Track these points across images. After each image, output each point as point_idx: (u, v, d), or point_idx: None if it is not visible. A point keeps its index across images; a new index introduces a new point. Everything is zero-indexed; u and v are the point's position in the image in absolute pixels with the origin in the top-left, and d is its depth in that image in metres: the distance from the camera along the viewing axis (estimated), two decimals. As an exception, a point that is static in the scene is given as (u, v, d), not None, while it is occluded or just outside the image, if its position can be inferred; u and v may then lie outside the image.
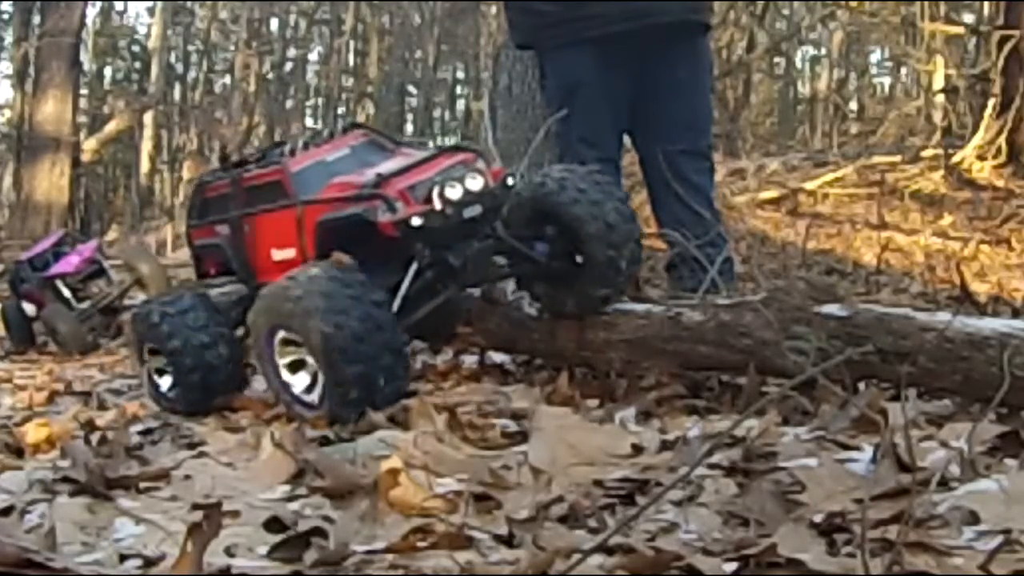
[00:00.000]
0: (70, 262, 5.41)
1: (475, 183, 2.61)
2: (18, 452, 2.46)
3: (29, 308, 5.47)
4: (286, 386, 2.53)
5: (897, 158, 9.58)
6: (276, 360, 2.53)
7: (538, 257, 2.74)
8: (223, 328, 2.85)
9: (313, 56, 23.30)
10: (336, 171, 2.79)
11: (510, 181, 2.69)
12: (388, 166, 2.72)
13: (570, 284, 2.73)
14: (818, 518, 1.55)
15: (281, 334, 2.50)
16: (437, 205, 2.57)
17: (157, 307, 2.86)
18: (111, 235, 17.40)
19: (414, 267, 2.59)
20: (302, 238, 2.71)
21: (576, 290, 2.73)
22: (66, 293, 5.27)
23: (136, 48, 23.67)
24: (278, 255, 2.82)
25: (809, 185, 8.76)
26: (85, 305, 5.39)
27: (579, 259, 2.70)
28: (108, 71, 24.38)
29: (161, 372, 2.88)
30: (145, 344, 2.89)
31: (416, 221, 2.54)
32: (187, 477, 2.01)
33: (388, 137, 3.01)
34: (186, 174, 19.57)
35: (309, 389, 2.50)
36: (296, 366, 2.53)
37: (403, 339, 2.50)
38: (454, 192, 2.58)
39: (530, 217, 2.73)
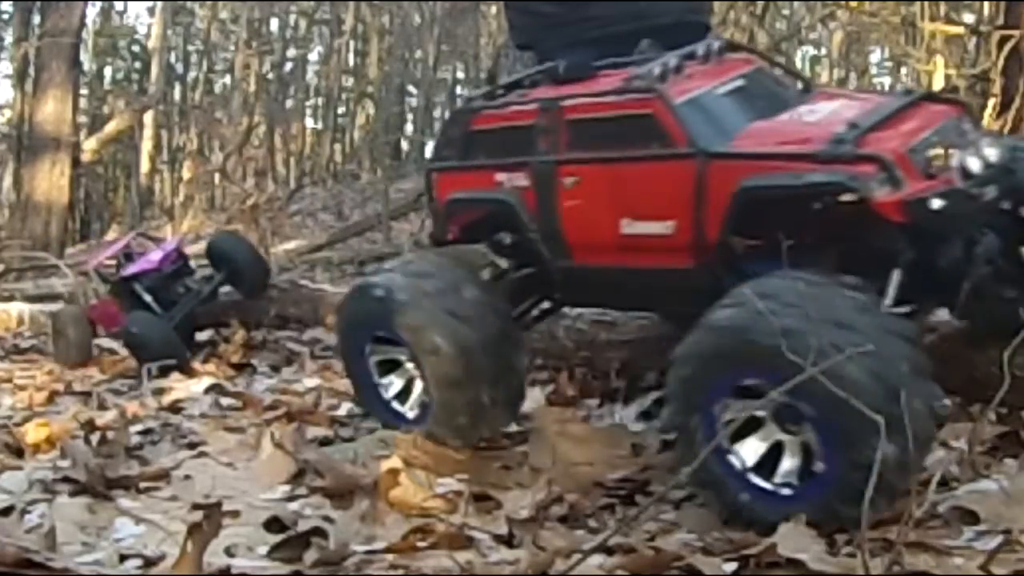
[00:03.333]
0: (151, 259, 4.38)
1: (992, 151, 1.86)
2: (18, 452, 2.46)
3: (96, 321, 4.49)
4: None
5: (897, 158, 9.56)
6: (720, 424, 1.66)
7: None
8: (508, 324, 2.07)
9: (313, 56, 23.28)
10: (738, 110, 1.96)
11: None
12: (850, 113, 1.87)
13: None
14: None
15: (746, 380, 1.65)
16: (956, 180, 1.80)
17: (401, 280, 2.05)
18: (111, 235, 17.40)
19: (896, 272, 1.78)
20: (699, 208, 1.81)
21: None
22: (146, 297, 4.23)
23: (136, 48, 23.64)
24: (634, 227, 1.90)
25: (809, 185, 8.75)
26: (182, 311, 4.31)
27: None
28: (108, 71, 24.35)
29: (399, 379, 2.15)
30: (370, 334, 2.11)
31: (936, 203, 1.73)
32: (187, 477, 2.02)
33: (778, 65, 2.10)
34: (186, 174, 19.56)
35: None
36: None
37: None
38: (974, 163, 1.82)
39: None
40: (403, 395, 2.09)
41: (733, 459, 1.66)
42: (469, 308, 1.93)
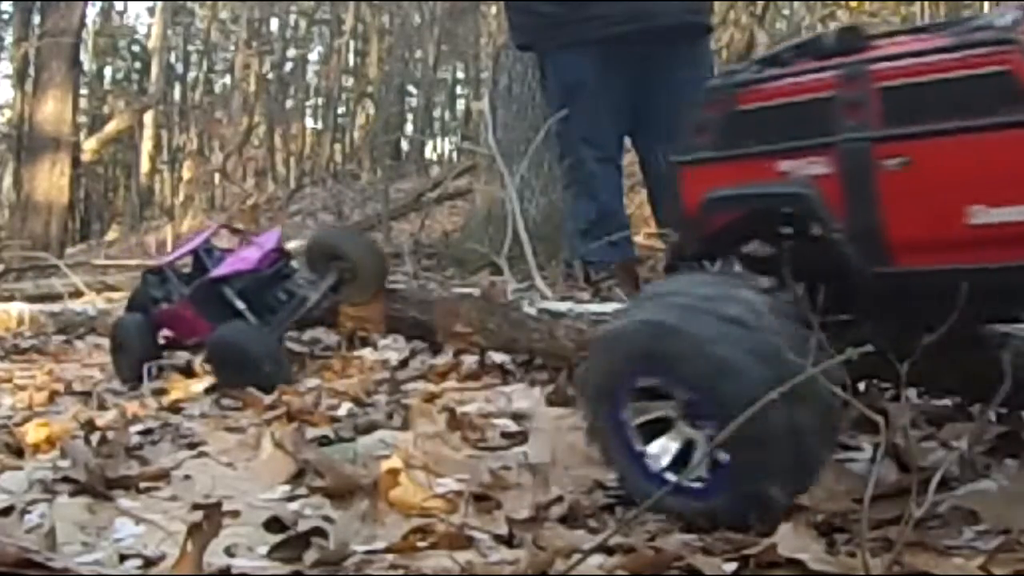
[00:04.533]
0: (247, 257, 3.50)
1: None
2: (18, 452, 2.46)
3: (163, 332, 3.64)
4: None
5: (897, 158, 9.58)
6: None
7: None
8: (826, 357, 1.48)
9: (313, 56, 23.29)
10: None
11: None
12: None
13: None
14: (818, 518, 1.55)
15: None
16: None
17: (686, 311, 1.60)
18: (111, 235, 17.41)
19: None
20: None
21: None
22: (239, 304, 3.37)
23: (136, 48, 23.66)
24: (988, 215, 1.50)
25: (809, 185, 8.75)
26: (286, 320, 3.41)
27: None
28: (108, 71, 24.37)
29: (672, 442, 1.66)
30: (631, 387, 1.65)
31: None
32: (187, 477, 2.01)
33: None
34: (186, 174, 19.57)
35: None
36: None
37: None
38: None
39: None
40: (678, 462, 1.62)
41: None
42: (779, 339, 1.52)
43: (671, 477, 1.60)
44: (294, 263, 3.59)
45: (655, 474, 1.64)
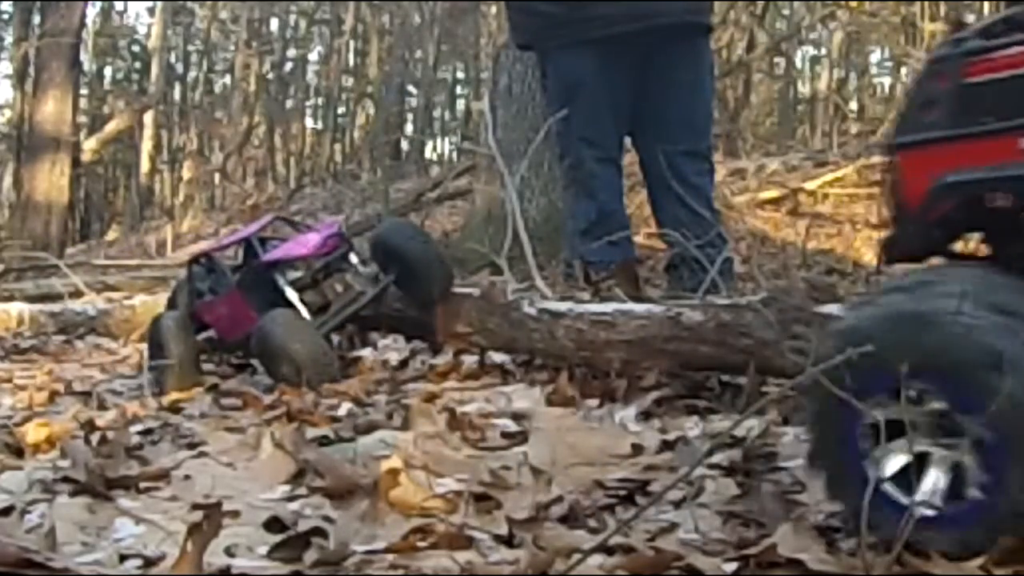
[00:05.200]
0: (306, 242, 3.18)
1: None
2: (18, 452, 2.46)
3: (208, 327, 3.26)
4: None
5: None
6: None
7: None
8: None
9: (313, 56, 23.30)
10: None
11: None
12: None
13: None
14: (818, 518, 1.55)
15: None
16: None
17: (962, 300, 1.33)
18: (111, 235, 17.42)
19: None
20: None
21: None
22: (289, 294, 3.07)
23: (136, 48, 23.67)
24: None
25: (809, 185, 8.76)
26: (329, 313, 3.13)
27: None
28: (108, 71, 24.39)
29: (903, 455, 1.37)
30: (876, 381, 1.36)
31: None
32: (187, 477, 2.01)
33: None
34: (186, 174, 19.57)
35: None
36: None
37: None
38: None
39: None
40: (905, 477, 1.36)
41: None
42: None
43: (925, 502, 1.32)
44: (353, 257, 3.24)
45: (898, 502, 1.34)
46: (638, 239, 4.58)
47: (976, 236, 1.59)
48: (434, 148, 22.48)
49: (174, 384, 3.12)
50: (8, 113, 19.70)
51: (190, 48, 23.54)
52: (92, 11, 19.78)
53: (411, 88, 20.58)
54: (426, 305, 3.17)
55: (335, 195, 12.73)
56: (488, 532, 1.60)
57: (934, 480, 1.34)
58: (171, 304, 3.54)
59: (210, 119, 21.08)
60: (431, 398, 2.59)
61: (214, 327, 3.24)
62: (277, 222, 3.79)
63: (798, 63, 21.00)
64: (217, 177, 19.05)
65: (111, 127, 15.59)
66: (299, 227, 3.57)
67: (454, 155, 20.58)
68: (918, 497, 1.33)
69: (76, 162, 11.82)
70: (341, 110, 21.85)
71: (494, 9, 13.12)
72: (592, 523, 1.66)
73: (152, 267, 7.81)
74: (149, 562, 1.53)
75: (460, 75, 23.37)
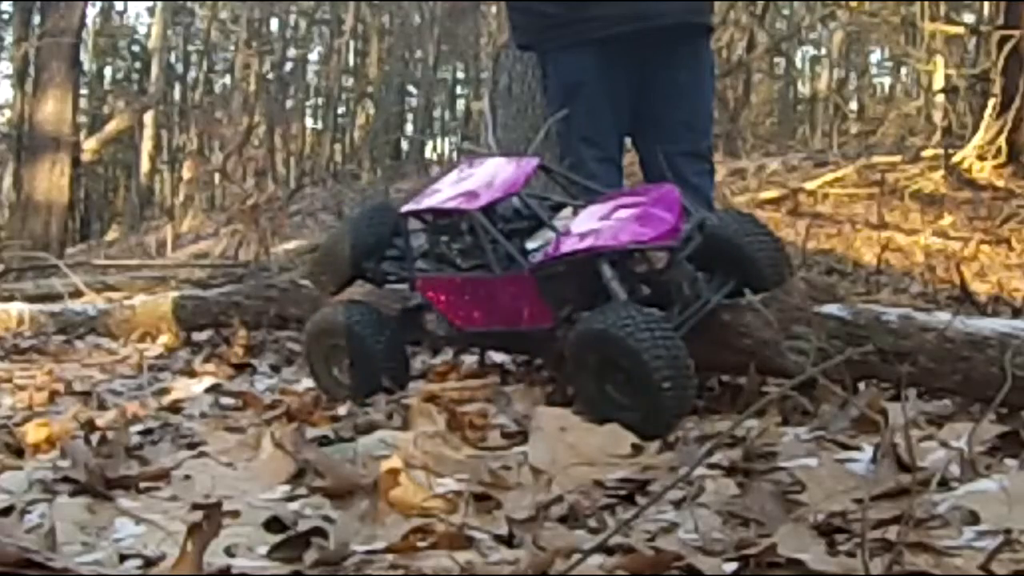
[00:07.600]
0: (663, 218, 2.33)
1: None
2: (18, 452, 2.46)
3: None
4: None
5: (897, 158, 9.60)
6: None
7: None
8: None
9: (313, 56, 23.30)
10: None
11: None
12: None
13: None
14: (818, 518, 1.55)
15: None
16: None
17: None
18: (111, 235, 17.42)
19: None
20: None
21: None
22: (614, 288, 2.26)
23: (136, 48, 23.67)
24: None
25: (809, 185, 8.77)
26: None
27: None
28: (108, 71, 24.39)
29: None
30: None
31: None
32: (187, 477, 2.01)
33: None
34: (186, 174, 19.57)
35: None
36: None
37: None
38: None
39: None
40: None
41: None
42: None
43: None
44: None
45: None
46: (638, 239, 4.56)
47: None
48: (434, 148, 22.49)
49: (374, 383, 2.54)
50: (8, 113, 19.70)
51: (190, 48, 23.54)
52: (92, 11, 19.80)
53: (411, 88, 20.59)
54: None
55: (335, 195, 12.73)
56: (488, 532, 1.60)
57: None
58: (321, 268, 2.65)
59: (210, 119, 21.07)
60: (431, 398, 2.59)
61: (448, 312, 2.49)
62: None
63: (798, 63, 21.02)
64: (217, 177, 19.05)
65: (111, 127, 15.60)
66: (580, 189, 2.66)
67: (454, 155, 20.58)
68: None
69: (76, 162, 11.82)
70: (341, 110, 21.85)
71: (494, 9, 13.13)
72: (592, 523, 1.66)
73: (152, 267, 7.81)
74: (149, 562, 1.53)
75: (460, 75, 23.37)
